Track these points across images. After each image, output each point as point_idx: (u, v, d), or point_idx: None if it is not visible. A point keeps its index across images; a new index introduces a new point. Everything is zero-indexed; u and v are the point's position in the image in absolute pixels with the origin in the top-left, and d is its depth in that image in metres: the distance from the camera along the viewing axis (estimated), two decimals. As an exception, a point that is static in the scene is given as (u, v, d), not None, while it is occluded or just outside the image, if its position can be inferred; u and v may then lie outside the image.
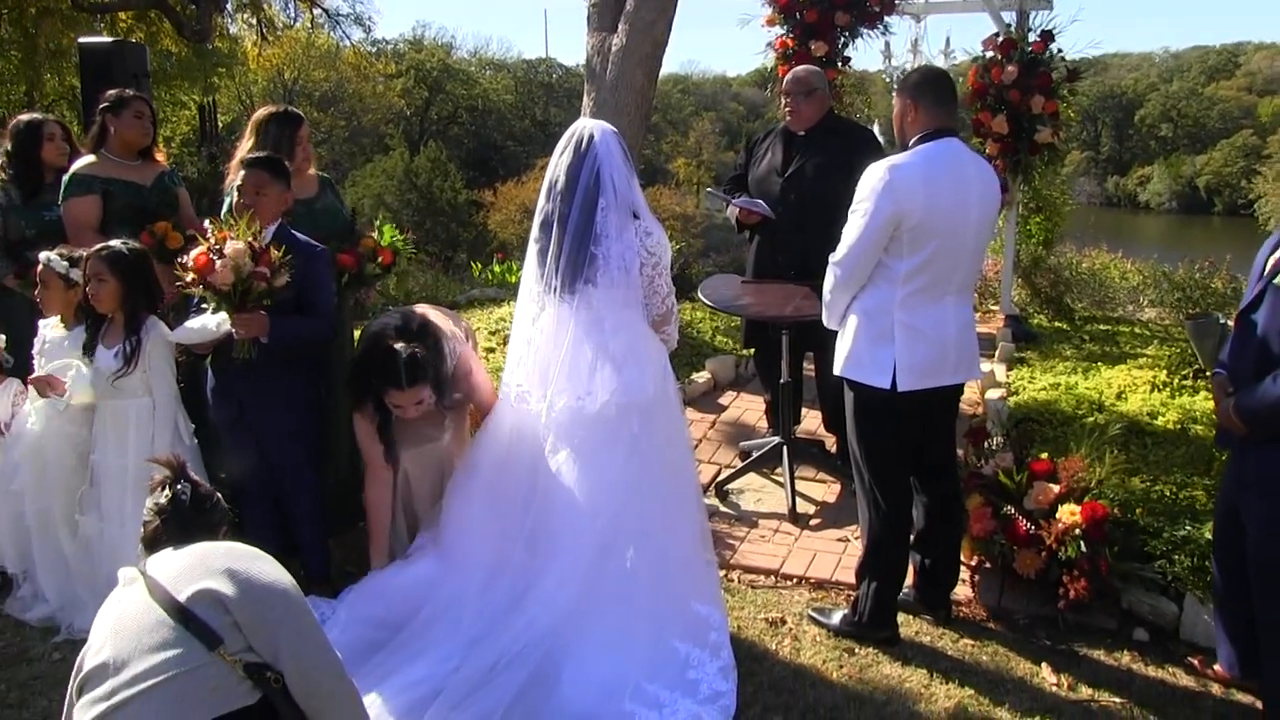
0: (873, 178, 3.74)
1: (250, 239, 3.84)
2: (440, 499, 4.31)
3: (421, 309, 4.41)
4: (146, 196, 4.86)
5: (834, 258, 3.92)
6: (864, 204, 3.76)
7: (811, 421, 6.24)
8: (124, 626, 2.37)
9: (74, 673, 2.42)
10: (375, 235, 4.81)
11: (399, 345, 4.03)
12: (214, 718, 2.29)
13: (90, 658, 2.38)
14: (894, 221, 3.71)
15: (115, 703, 2.26)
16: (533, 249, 3.87)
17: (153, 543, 2.56)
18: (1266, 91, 68.55)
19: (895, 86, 4.08)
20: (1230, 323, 3.87)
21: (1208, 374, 3.75)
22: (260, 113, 4.75)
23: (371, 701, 3.36)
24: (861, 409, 4.01)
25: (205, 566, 2.44)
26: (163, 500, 2.62)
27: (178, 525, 2.58)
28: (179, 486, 2.64)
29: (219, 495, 2.77)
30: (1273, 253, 3.46)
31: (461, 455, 4.38)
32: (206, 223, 4.05)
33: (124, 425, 4.10)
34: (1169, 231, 51.26)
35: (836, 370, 4.03)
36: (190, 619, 2.33)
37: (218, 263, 3.76)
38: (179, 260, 3.96)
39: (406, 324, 4.18)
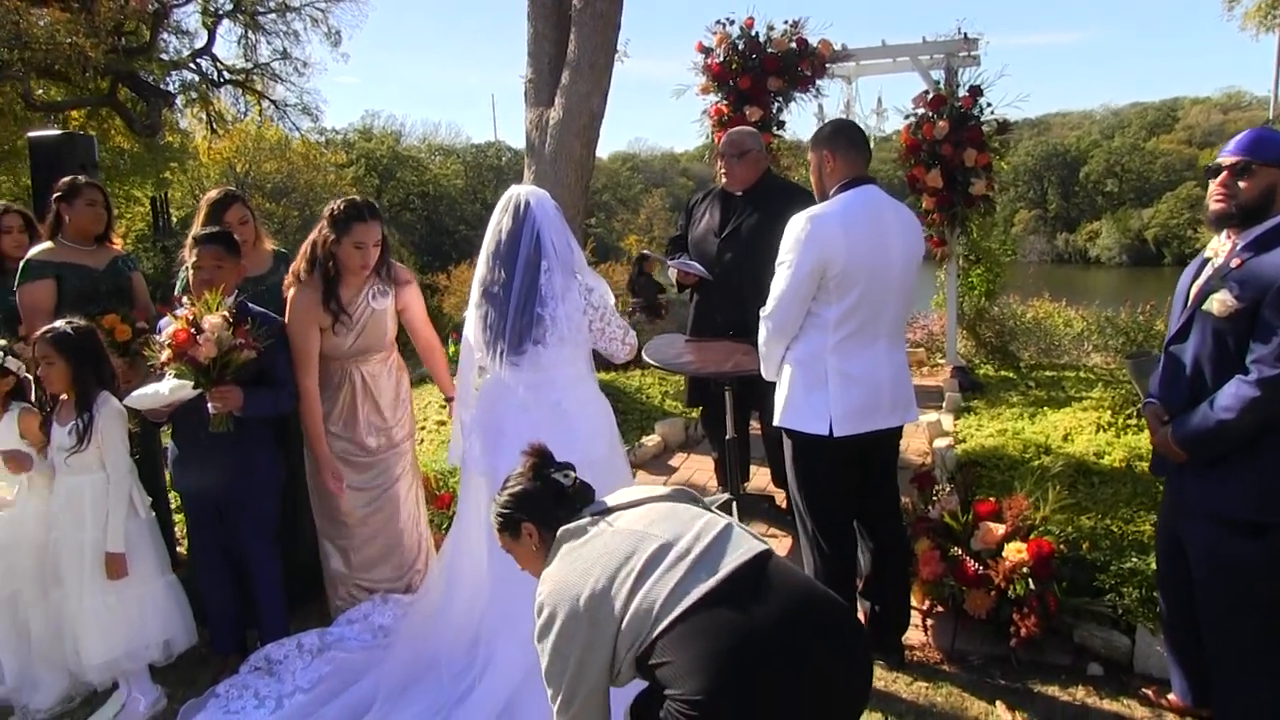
0: (795, 229, 3.80)
1: (225, 313, 3.87)
2: (400, 403, 4.63)
3: None
4: (99, 280, 4.92)
5: (764, 311, 3.96)
6: (788, 256, 3.82)
7: (761, 478, 6.24)
8: (657, 517, 2.82)
9: (622, 570, 2.62)
10: None
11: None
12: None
13: (644, 549, 2.65)
14: (819, 270, 3.76)
15: (709, 540, 2.67)
16: (474, 314, 3.87)
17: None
18: (1205, 144, 70.31)
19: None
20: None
21: (1146, 408, 3.72)
22: (206, 196, 4.96)
23: None
24: (800, 456, 4.02)
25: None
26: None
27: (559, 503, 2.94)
28: (549, 473, 2.98)
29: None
30: (1195, 279, 3.44)
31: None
32: (184, 298, 4.09)
33: (80, 501, 4.04)
34: (1120, 284, 52.04)
35: (775, 421, 4.05)
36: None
37: (199, 337, 3.78)
38: (151, 338, 4.01)
39: None
